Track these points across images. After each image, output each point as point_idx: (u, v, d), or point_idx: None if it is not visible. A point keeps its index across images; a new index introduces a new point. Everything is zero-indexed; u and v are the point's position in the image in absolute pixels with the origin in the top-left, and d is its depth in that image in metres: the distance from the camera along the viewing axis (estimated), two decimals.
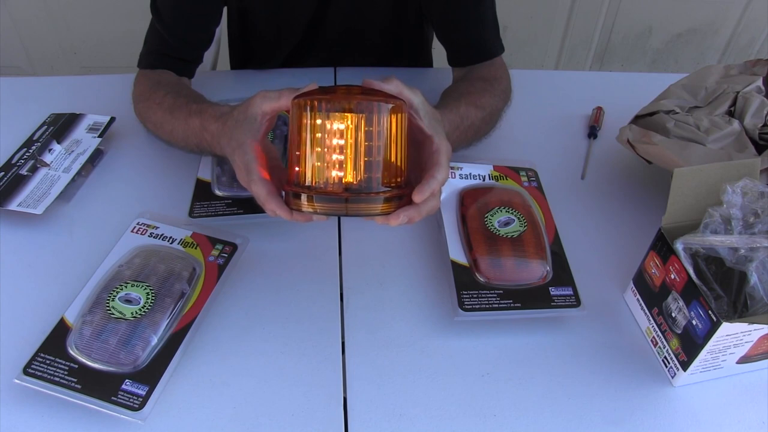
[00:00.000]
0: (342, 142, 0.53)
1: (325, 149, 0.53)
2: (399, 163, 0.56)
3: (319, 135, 0.53)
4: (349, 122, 0.53)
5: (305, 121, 0.54)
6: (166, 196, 0.77)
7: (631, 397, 0.59)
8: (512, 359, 0.61)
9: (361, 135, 0.53)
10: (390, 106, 0.54)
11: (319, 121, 0.53)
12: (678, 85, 0.83)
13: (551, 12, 2.04)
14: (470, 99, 0.78)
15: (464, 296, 0.63)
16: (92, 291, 0.62)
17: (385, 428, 0.55)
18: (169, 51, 0.84)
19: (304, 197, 0.54)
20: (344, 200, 0.54)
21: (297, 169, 0.55)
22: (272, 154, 0.62)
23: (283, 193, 0.58)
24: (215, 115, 0.68)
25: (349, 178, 0.54)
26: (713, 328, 0.54)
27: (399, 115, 0.55)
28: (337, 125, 0.53)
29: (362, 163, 0.54)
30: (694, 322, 0.56)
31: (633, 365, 0.62)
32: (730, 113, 0.78)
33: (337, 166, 0.54)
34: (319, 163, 0.54)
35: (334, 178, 0.54)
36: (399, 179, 0.56)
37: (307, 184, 0.55)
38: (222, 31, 1.08)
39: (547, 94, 1.01)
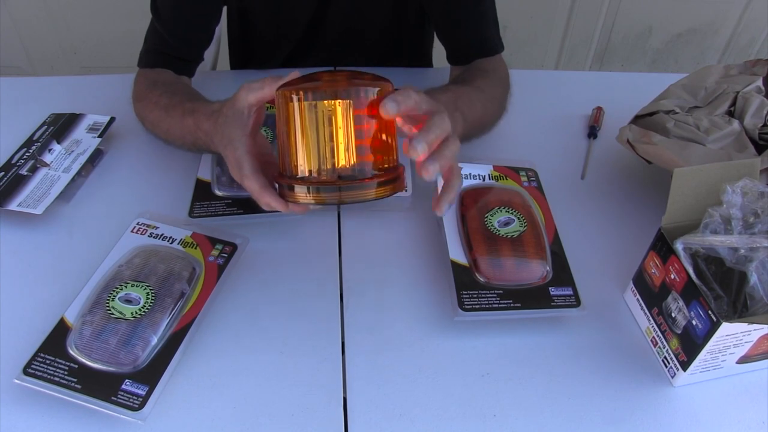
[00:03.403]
0: (331, 129, 0.52)
1: (314, 138, 0.53)
2: (389, 145, 0.55)
3: (306, 124, 0.52)
4: (337, 108, 0.52)
5: (292, 111, 0.53)
6: (166, 196, 0.77)
7: (631, 397, 0.59)
8: (512, 359, 0.61)
9: (350, 120, 0.52)
10: (376, 89, 0.53)
11: (306, 111, 0.52)
12: (678, 85, 0.83)
13: (551, 12, 2.04)
14: (464, 80, 0.79)
15: (464, 296, 0.63)
16: (92, 291, 0.62)
17: (385, 428, 0.55)
18: (169, 50, 0.84)
19: (297, 188, 0.53)
20: (338, 188, 0.53)
21: (288, 160, 0.54)
22: (265, 148, 0.62)
23: (277, 185, 0.57)
24: (207, 113, 0.68)
25: (342, 163, 0.53)
26: (713, 328, 0.54)
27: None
28: (325, 113, 0.52)
29: (353, 148, 0.53)
30: (694, 322, 0.56)
31: (633, 365, 0.62)
32: (730, 113, 0.77)
33: (328, 154, 0.53)
34: (309, 153, 0.53)
35: (326, 166, 0.53)
36: (390, 159, 0.55)
37: (299, 175, 0.54)
38: (222, 31, 1.08)
39: (547, 94, 1.01)
